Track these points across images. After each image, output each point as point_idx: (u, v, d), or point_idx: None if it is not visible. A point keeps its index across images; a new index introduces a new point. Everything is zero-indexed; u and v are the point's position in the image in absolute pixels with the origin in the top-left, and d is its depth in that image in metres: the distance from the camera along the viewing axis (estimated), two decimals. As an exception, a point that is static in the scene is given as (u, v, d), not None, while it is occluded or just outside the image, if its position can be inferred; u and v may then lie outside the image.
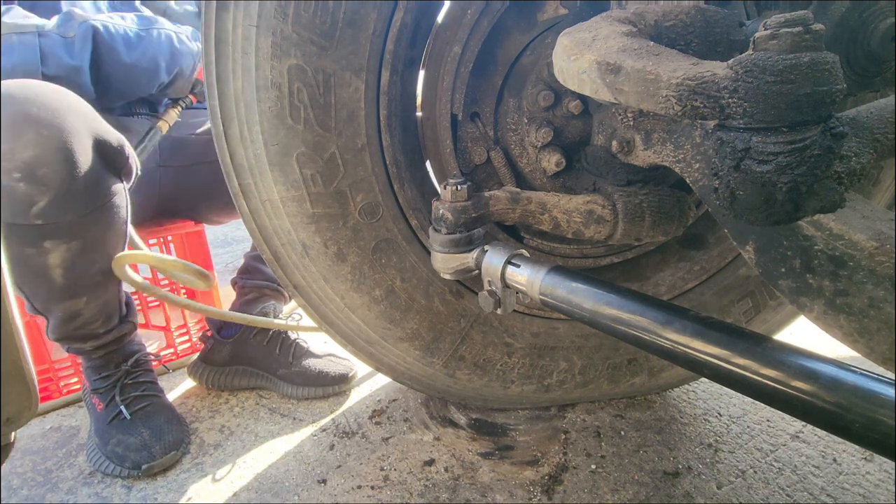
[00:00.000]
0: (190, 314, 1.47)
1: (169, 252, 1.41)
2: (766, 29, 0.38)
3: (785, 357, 0.43)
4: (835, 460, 0.93)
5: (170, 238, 1.40)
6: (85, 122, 0.88)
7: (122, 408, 1.05)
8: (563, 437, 1.03)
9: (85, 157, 0.87)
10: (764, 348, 0.43)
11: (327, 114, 0.76)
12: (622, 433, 1.03)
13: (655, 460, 0.95)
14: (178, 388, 1.29)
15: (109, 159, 0.93)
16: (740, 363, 0.44)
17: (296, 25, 0.70)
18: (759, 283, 0.98)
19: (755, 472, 0.91)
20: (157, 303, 1.62)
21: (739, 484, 0.89)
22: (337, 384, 1.20)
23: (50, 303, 0.95)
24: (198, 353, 1.30)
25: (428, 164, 0.94)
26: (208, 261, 1.48)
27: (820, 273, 0.60)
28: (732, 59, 0.40)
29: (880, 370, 0.79)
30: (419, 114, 0.90)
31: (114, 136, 0.93)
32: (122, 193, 0.97)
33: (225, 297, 1.60)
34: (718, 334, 0.46)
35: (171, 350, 1.39)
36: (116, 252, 1.00)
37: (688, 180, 0.61)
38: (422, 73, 0.88)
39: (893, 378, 0.40)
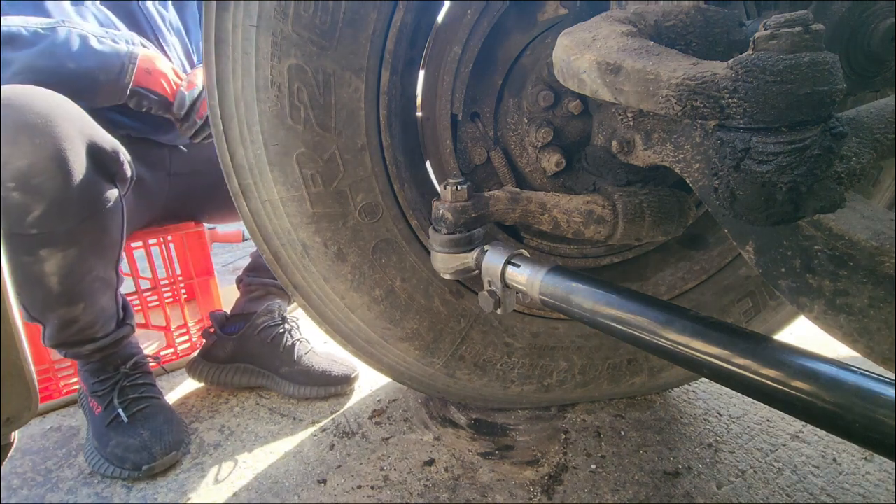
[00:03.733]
0: (190, 314, 1.47)
1: (169, 252, 1.41)
2: (766, 29, 0.38)
3: (785, 357, 0.43)
4: (835, 460, 0.93)
5: (170, 238, 1.40)
6: (79, 129, 0.87)
7: (120, 410, 1.05)
8: (563, 437, 1.03)
9: (79, 165, 0.86)
10: (764, 348, 0.43)
11: (327, 114, 0.76)
12: (622, 433, 1.03)
13: (655, 460, 0.95)
14: (177, 388, 1.29)
15: (104, 165, 0.92)
16: (740, 363, 0.44)
17: (296, 25, 0.70)
18: (759, 283, 0.98)
19: (755, 472, 0.91)
20: (157, 302, 1.63)
21: (739, 484, 0.89)
22: (340, 385, 1.20)
23: (46, 310, 0.94)
24: (197, 351, 1.30)
25: (428, 164, 0.94)
26: (208, 260, 1.48)
27: (820, 273, 0.60)
28: (732, 59, 0.40)
29: (880, 370, 0.79)
30: (419, 114, 0.90)
31: (108, 141, 0.92)
32: (117, 199, 0.95)
33: (225, 297, 1.60)
34: (718, 334, 0.46)
35: (171, 350, 1.39)
36: (113, 257, 0.99)
37: (688, 180, 0.61)
38: (422, 73, 0.88)
39: (893, 378, 0.40)
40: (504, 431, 1.05)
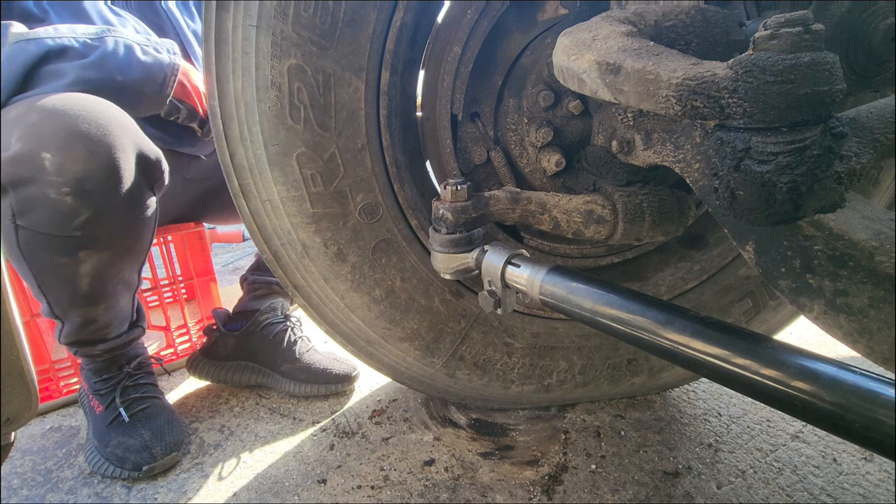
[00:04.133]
0: (190, 314, 1.47)
1: (169, 253, 1.41)
2: (766, 29, 0.38)
3: (785, 357, 0.43)
4: (835, 460, 0.93)
5: (170, 238, 1.40)
6: (131, 138, 0.90)
7: (122, 410, 1.05)
8: (563, 437, 1.03)
9: (129, 173, 0.89)
10: (764, 348, 0.43)
11: (327, 114, 0.76)
12: (622, 433, 1.03)
13: (655, 460, 0.95)
14: (177, 388, 1.29)
15: (148, 173, 0.94)
16: (740, 363, 0.44)
17: (296, 25, 0.70)
18: (759, 283, 0.98)
19: (755, 472, 0.91)
20: (156, 302, 1.63)
21: (739, 484, 0.89)
22: (340, 383, 1.20)
23: (70, 308, 0.96)
24: (197, 349, 1.30)
25: (428, 164, 0.94)
26: (208, 260, 1.48)
27: (820, 273, 0.59)
28: (732, 59, 0.40)
29: (880, 370, 0.79)
30: (419, 114, 0.90)
31: (153, 150, 0.95)
32: (154, 206, 0.98)
33: (226, 297, 1.60)
34: (718, 334, 0.46)
35: (171, 350, 1.39)
36: (140, 261, 1.01)
37: (688, 180, 0.61)
38: (422, 73, 0.88)
39: (893, 378, 0.40)
40: (504, 431, 1.05)
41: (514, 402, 1.08)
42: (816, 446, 0.97)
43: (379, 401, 1.17)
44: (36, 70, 0.90)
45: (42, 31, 0.91)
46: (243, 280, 1.35)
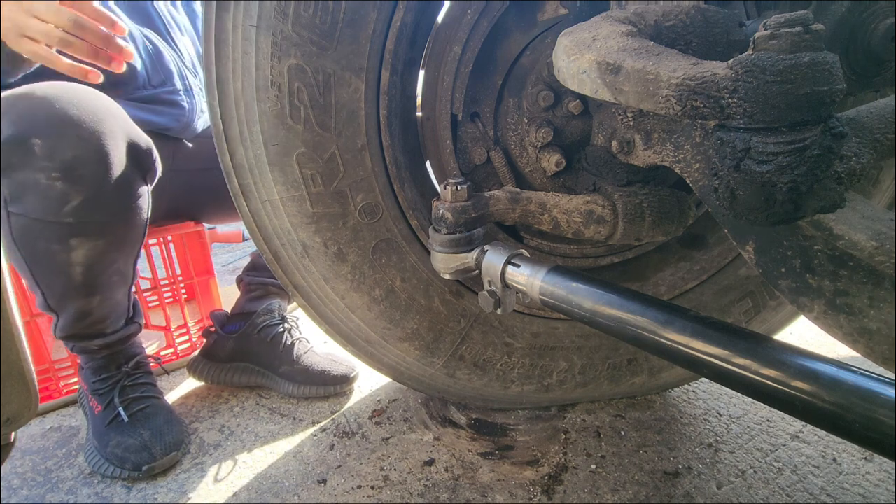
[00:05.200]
0: (190, 314, 1.47)
1: (169, 253, 1.41)
2: (766, 29, 0.38)
3: (785, 357, 0.43)
4: (835, 460, 0.93)
5: (169, 238, 1.41)
6: (121, 126, 0.91)
7: (121, 409, 1.05)
8: (563, 437, 1.03)
9: (119, 160, 0.90)
10: (764, 348, 0.43)
11: (327, 114, 0.76)
12: (622, 433, 1.03)
13: (655, 460, 0.95)
14: (177, 388, 1.29)
15: (139, 162, 0.95)
16: (740, 363, 0.44)
17: (296, 25, 0.70)
18: (758, 283, 0.98)
19: (755, 472, 0.91)
20: (156, 302, 1.63)
21: (739, 484, 0.89)
22: (339, 384, 1.20)
23: (65, 300, 0.96)
24: (197, 350, 1.30)
25: (428, 164, 0.94)
26: (208, 260, 1.48)
27: (820, 273, 0.59)
28: (732, 59, 0.40)
29: (880, 370, 0.79)
30: (419, 114, 0.90)
31: (144, 139, 0.96)
32: (146, 195, 0.99)
33: (226, 297, 1.60)
34: (718, 334, 0.46)
35: (171, 350, 1.39)
36: (134, 252, 1.02)
37: (688, 180, 0.61)
38: (422, 73, 0.88)
39: (893, 378, 0.40)
40: (504, 431, 1.05)
41: (515, 402, 1.08)
42: (816, 446, 0.97)
43: (379, 401, 1.17)
44: None
45: None
46: (239, 281, 1.35)
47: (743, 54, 0.40)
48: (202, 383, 1.28)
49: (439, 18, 0.84)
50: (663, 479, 0.91)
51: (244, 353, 1.25)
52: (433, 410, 1.12)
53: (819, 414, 0.41)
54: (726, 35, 0.60)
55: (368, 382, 1.25)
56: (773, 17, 0.38)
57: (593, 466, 0.94)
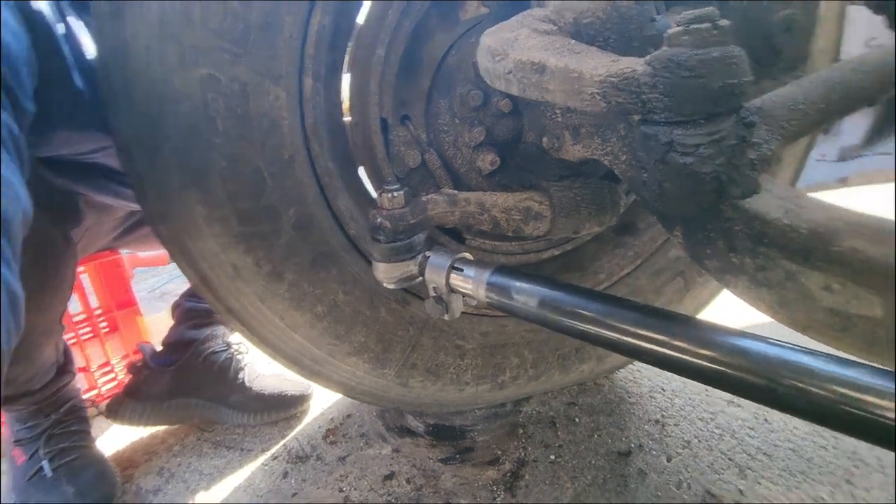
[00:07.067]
0: (113, 350, 1.34)
1: (81, 285, 1.28)
2: (678, 25, 0.39)
3: (717, 337, 0.46)
4: (766, 420, 1.00)
5: (82, 269, 1.27)
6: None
7: (45, 462, 0.93)
8: (521, 431, 1.04)
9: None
10: (700, 331, 0.45)
11: (248, 125, 0.71)
12: (576, 420, 1.06)
13: (609, 442, 0.98)
14: (107, 432, 1.18)
15: (56, 214, 0.81)
16: (680, 346, 0.46)
17: (203, 31, 0.65)
18: (688, 262, 1.04)
19: (699, 440, 0.97)
20: (73, 341, 1.47)
21: (686, 454, 0.94)
22: (298, 405, 1.14)
23: None
24: (120, 391, 1.17)
25: (362, 171, 0.91)
26: (128, 290, 1.36)
27: (741, 251, 0.63)
28: (650, 56, 0.41)
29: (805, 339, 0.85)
30: (348, 119, 0.87)
31: (59, 182, 0.82)
32: (69, 249, 0.85)
33: (154, 325, 1.47)
34: (658, 321, 0.47)
35: (96, 391, 1.26)
36: (60, 308, 0.88)
37: (616, 171, 0.63)
38: (347, 77, 0.85)
39: (808, 349, 0.43)
40: (463, 434, 1.05)
41: (470, 403, 1.08)
42: (749, 409, 1.04)
43: (332, 418, 1.13)
44: None
45: None
46: (176, 307, 1.23)
47: (658, 51, 0.41)
48: (131, 426, 1.16)
49: (360, 20, 0.82)
50: (617, 459, 0.94)
51: (186, 387, 1.14)
52: (389, 421, 1.10)
53: (750, 388, 0.44)
54: (640, 30, 0.62)
55: (320, 400, 1.20)
56: (683, 13, 0.40)
57: (552, 457, 0.96)
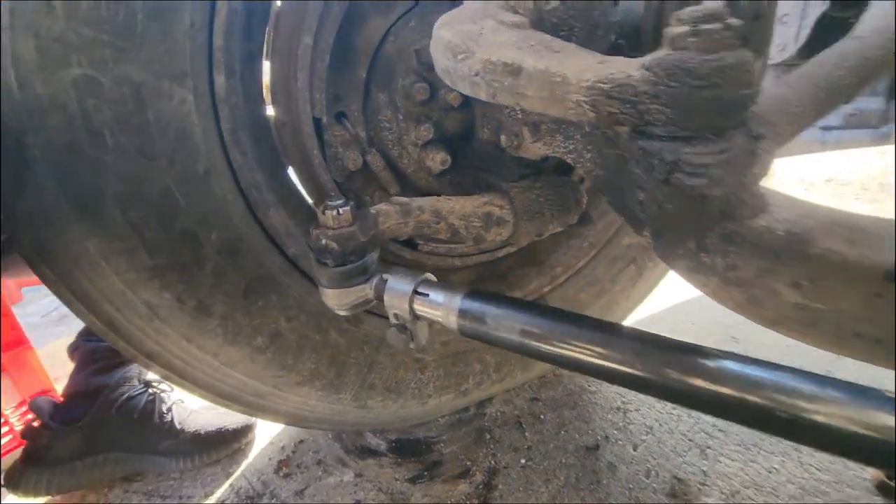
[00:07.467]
0: (6, 400, 1.12)
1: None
2: (682, 24, 0.33)
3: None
4: (717, 394, 1.04)
5: (-53, 307, 1.04)
6: None
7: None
8: (488, 436, 1.00)
9: None
10: (711, 362, 0.42)
11: (147, 137, 0.58)
12: (541, 417, 1.04)
13: (577, 437, 0.97)
14: (9, 496, 0.99)
15: None
16: (694, 384, 0.43)
17: (72, 21, 0.50)
18: (640, 249, 1.04)
19: (660, 424, 0.98)
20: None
21: (650, 440, 0.95)
22: (242, 437, 1.01)
23: None
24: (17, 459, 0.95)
25: (295, 178, 0.80)
26: (17, 327, 1.13)
27: (712, 251, 0.61)
28: (648, 59, 0.35)
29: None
30: (274, 119, 0.75)
31: None
32: None
33: (55, 358, 1.25)
34: (659, 352, 0.43)
35: (-13, 451, 1.06)
36: None
37: (581, 170, 0.58)
38: (267, 68, 0.72)
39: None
40: (428, 447, 0.99)
41: (434, 414, 1.03)
42: (701, 384, 1.08)
43: (283, 447, 1.03)
44: None
45: None
46: (74, 349, 1.03)
47: (660, 53, 0.35)
48: (37, 499, 0.95)
49: (278, 2, 0.69)
50: (587, 455, 0.93)
51: (102, 443, 0.96)
52: (348, 443, 1.01)
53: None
54: (605, 17, 0.57)
55: (265, 428, 1.09)
56: (686, 10, 0.34)
57: (523, 461, 0.93)
